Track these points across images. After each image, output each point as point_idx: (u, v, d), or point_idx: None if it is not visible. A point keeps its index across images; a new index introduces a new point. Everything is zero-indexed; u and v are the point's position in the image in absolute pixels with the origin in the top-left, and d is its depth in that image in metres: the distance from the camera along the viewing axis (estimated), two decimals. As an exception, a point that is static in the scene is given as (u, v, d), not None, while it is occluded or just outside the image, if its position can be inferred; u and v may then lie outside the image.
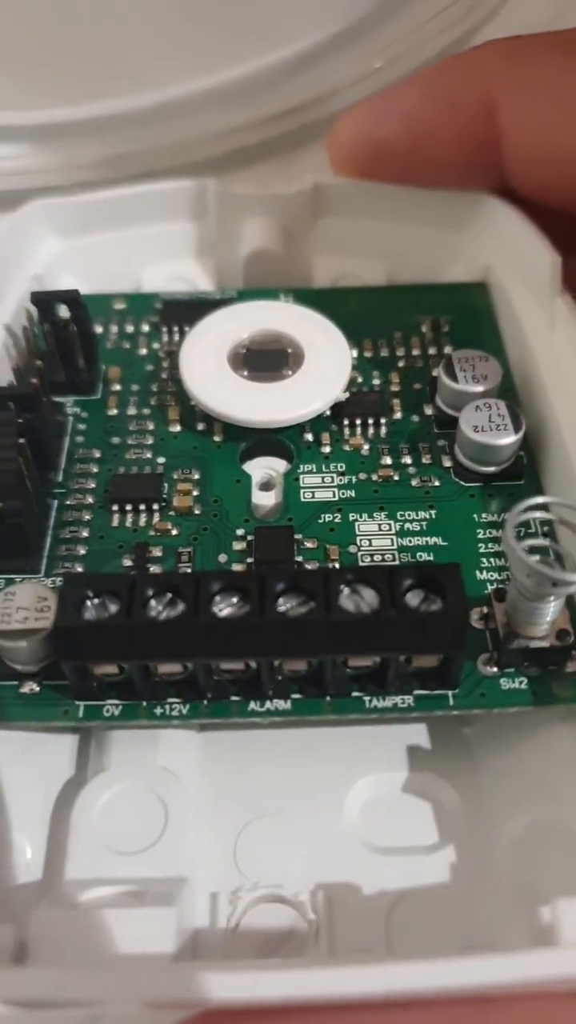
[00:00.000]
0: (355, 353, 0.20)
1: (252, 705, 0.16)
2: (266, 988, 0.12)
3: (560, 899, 0.12)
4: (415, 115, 0.22)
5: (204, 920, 0.15)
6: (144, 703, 0.16)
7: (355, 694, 0.16)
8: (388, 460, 0.19)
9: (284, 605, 0.15)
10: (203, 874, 0.15)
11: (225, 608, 0.15)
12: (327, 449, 0.19)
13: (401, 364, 0.21)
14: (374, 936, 0.15)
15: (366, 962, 0.12)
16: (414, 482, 0.18)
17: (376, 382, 0.20)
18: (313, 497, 0.18)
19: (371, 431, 0.19)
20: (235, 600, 0.15)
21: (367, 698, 0.16)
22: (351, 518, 0.18)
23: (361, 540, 0.18)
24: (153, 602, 0.15)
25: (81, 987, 0.11)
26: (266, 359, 0.20)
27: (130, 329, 0.22)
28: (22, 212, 0.22)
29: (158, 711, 0.16)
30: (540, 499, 0.15)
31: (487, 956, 0.11)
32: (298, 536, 0.18)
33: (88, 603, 0.15)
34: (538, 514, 0.15)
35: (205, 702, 0.16)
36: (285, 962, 0.14)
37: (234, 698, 0.16)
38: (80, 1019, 0.14)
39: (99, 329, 0.22)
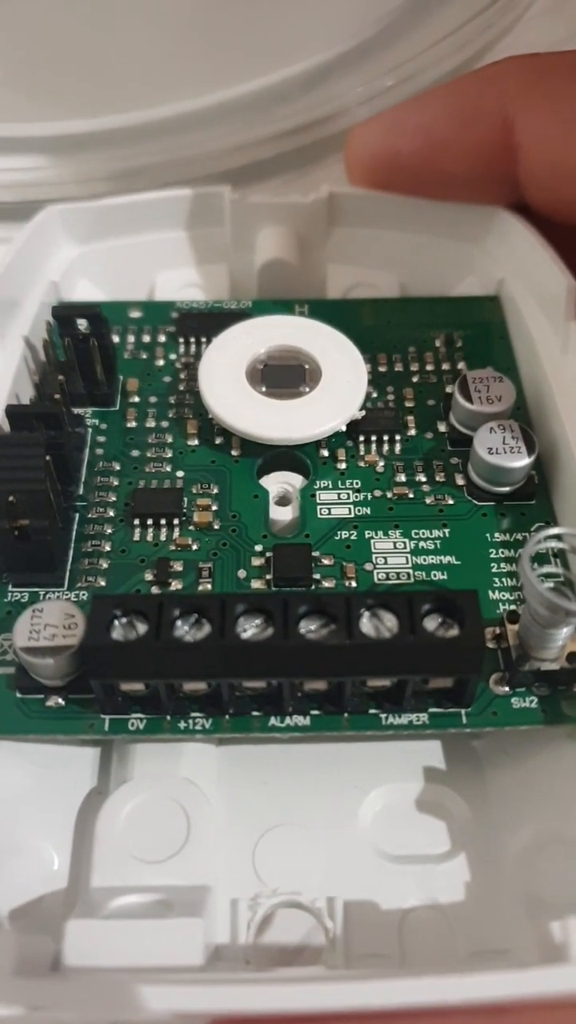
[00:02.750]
0: (370, 367, 0.21)
1: (272, 720, 0.16)
2: (287, 1000, 0.12)
3: (571, 917, 0.13)
4: (431, 128, 0.22)
5: (226, 924, 0.15)
6: (168, 717, 0.16)
7: (372, 711, 0.16)
8: (403, 477, 0.19)
9: (306, 627, 0.15)
10: (223, 881, 0.16)
11: (249, 629, 0.15)
12: (343, 465, 0.20)
13: (415, 380, 0.21)
14: (388, 942, 0.15)
15: (382, 976, 0.12)
16: (428, 500, 0.19)
17: (391, 397, 0.21)
18: (329, 513, 0.19)
19: (386, 448, 0.20)
20: (258, 622, 0.15)
21: (383, 715, 0.16)
22: (367, 535, 0.18)
23: (377, 558, 0.18)
24: (179, 622, 0.15)
25: (117, 1003, 0.12)
26: (283, 375, 0.20)
27: (147, 339, 0.22)
28: (39, 218, 0.22)
29: (182, 725, 0.16)
30: (555, 530, 0.15)
31: (502, 971, 0.12)
32: (315, 553, 0.18)
33: (116, 623, 0.15)
34: (552, 543, 0.15)
35: (227, 717, 0.16)
36: (306, 973, 0.15)
37: (255, 713, 0.16)
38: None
39: (116, 338, 0.22)
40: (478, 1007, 0.12)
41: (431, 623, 0.15)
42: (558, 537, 0.15)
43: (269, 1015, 0.12)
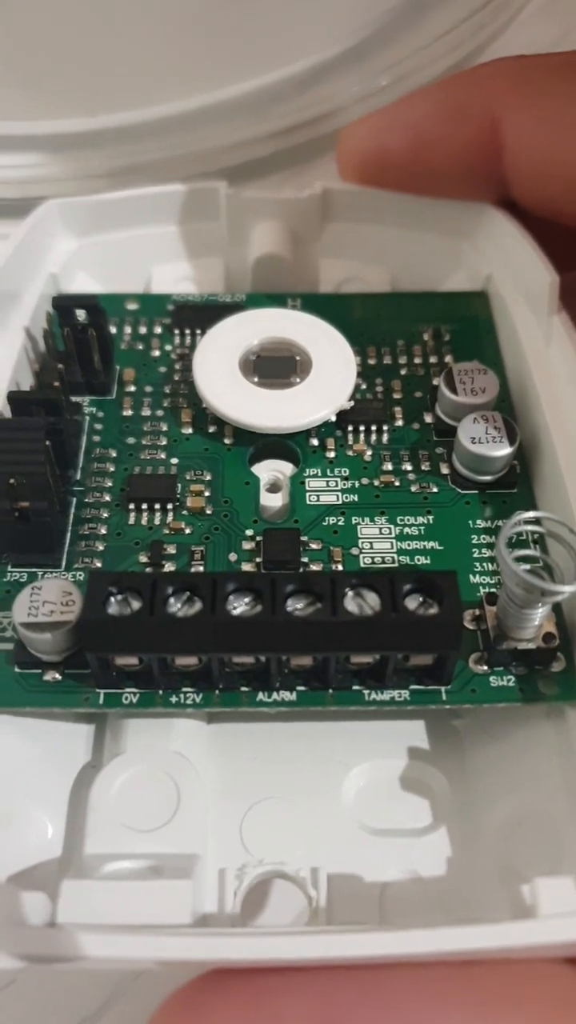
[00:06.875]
0: (359, 360, 0.21)
1: (260, 696, 0.17)
2: (273, 950, 0.13)
3: (539, 877, 0.14)
4: (420, 126, 0.23)
5: (213, 892, 0.16)
6: (160, 692, 0.17)
7: (355, 688, 0.17)
8: (389, 466, 0.20)
9: (293, 605, 0.16)
10: (211, 851, 0.16)
11: (239, 607, 0.16)
12: (332, 454, 0.20)
13: (403, 372, 0.22)
14: (368, 910, 0.16)
15: (359, 931, 0.13)
16: (413, 488, 0.20)
17: (379, 389, 0.21)
18: (318, 500, 0.19)
19: (374, 438, 0.20)
20: (248, 600, 0.16)
21: (366, 691, 0.17)
22: (354, 521, 0.19)
23: (363, 543, 0.19)
24: (172, 599, 0.16)
25: (108, 948, 0.13)
26: (275, 366, 0.21)
27: (143, 330, 0.23)
28: (39, 212, 0.23)
29: (173, 699, 0.17)
30: (532, 513, 0.16)
31: (474, 926, 0.13)
32: (304, 538, 0.19)
33: (112, 599, 0.16)
34: (530, 527, 0.16)
35: (217, 692, 0.17)
36: (290, 928, 0.15)
37: (244, 689, 0.17)
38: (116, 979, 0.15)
39: (113, 329, 0.22)
40: (448, 959, 0.13)
41: (412, 603, 0.16)
42: (537, 521, 0.16)
43: (249, 963, 0.13)
